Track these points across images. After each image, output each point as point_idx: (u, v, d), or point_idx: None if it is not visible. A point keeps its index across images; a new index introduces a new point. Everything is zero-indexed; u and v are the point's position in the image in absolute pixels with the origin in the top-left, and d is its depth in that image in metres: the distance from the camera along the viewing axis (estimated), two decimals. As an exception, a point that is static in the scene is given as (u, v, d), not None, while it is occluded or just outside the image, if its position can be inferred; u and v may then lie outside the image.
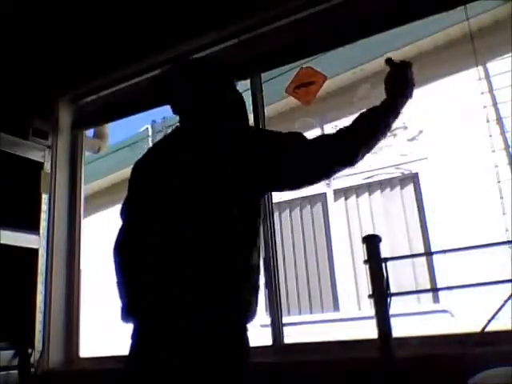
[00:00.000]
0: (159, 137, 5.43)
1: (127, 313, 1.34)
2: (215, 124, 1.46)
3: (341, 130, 1.38)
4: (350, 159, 1.36)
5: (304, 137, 1.37)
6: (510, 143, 3.84)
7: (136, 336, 1.33)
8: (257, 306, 1.32)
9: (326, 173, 1.38)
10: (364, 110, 1.43)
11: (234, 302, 1.27)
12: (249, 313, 1.29)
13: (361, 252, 1.99)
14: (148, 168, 1.49)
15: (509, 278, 1.39)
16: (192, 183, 1.31)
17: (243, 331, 1.30)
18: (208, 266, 1.25)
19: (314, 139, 1.37)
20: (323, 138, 1.39)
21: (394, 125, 1.45)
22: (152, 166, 1.47)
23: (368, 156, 1.40)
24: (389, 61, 1.54)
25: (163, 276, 1.28)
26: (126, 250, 1.40)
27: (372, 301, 1.44)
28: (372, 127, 1.38)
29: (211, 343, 1.22)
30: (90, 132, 3.17)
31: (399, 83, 1.48)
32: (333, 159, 1.35)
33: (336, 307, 4.68)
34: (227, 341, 1.25)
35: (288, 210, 5.05)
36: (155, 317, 1.28)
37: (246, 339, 1.31)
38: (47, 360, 2.51)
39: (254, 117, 2.29)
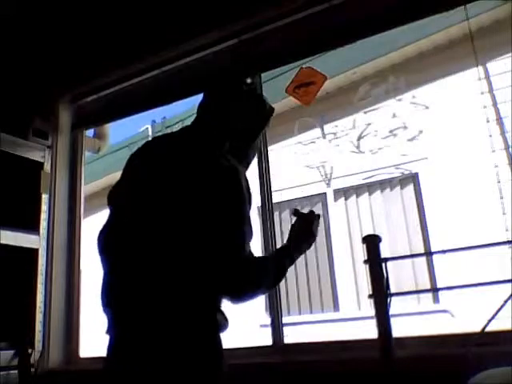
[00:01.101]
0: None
1: (103, 307, 1.36)
2: (216, 140, 1.45)
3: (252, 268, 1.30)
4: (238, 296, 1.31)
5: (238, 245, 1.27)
6: (510, 143, 3.85)
7: (109, 331, 1.34)
8: (225, 318, 1.32)
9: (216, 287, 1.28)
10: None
11: (203, 311, 1.27)
12: (216, 322, 1.29)
13: (361, 252, 1.99)
14: (141, 164, 1.47)
15: (509, 277, 1.39)
16: (177, 191, 1.30)
17: (211, 336, 1.29)
18: (178, 273, 1.25)
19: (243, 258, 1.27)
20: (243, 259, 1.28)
21: (394, 126, 1.45)
22: (145, 164, 1.45)
23: (368, 156, 1.40)
24: (296, 212, 1.55)
25: (136, 277, 1.29)
26: (106, 247, 1.41)
27: (372, 301, 1.44)
28: (273, 275, 1.38)
29: (179, 347, 1.23)
30: (90, 132, 3.17)
31: (304, 235, 1.50)
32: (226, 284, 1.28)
33: (336, 307, 4.68)
34: (195, 347, 1.24)
35: (288, 210, 5.05)
36: (124, 317, 1.30)
37: (216, 343, 1.29)
38: (47, 360, 2.51)
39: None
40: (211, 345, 1.27)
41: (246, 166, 1.57)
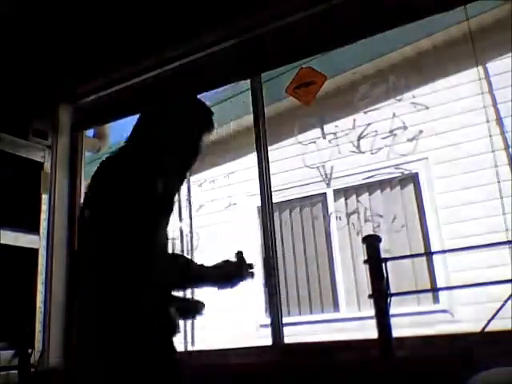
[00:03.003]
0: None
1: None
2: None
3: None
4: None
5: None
6: (510, 143, 3.85)
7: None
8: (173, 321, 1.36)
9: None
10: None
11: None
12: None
13: (361, 252, 1.99)
14: (90, 184, 1.59)
15: (509, 277, 1.39)
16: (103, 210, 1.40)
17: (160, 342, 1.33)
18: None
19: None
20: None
21: (394, 126, 1.45)
22: (92, 184, 1.58)
23: (368, 156, 1.39)
24: (239, 254, 1.54)
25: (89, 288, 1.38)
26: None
27: (372, 301, 1.44)
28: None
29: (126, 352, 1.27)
30: (90, 132, 3.17)
31: (232, 274, 1.49)
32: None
33: (336, 307, 4.68)
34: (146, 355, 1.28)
35: (288, 210, 5.05)
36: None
37: (165, 346, 1.34)
38: (47, 360, 2.51)
39: (254, 117, 2.29)
40: (160, 348, 1.31)
41: (184, 173, 1.65)
